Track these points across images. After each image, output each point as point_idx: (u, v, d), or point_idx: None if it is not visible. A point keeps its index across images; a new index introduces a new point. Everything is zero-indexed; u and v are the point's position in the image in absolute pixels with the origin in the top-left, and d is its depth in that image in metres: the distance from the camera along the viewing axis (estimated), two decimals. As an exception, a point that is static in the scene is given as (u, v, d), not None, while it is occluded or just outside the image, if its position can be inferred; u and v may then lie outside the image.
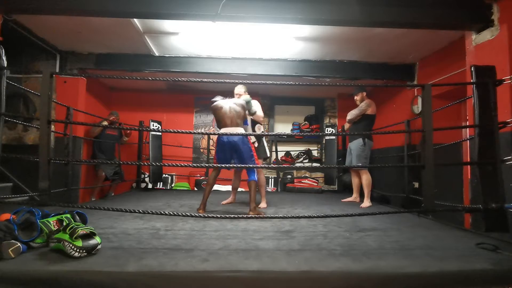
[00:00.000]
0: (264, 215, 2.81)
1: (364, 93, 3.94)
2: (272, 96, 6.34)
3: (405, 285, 1.48)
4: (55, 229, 1.73)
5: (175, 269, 1.46)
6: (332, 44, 4.00)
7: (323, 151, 6.35)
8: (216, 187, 5.67)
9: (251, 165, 3.05)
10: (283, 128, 6.60)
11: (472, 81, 2.05)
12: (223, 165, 2.76)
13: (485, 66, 2.09)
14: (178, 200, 3.90)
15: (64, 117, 3.55)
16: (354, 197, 4.10)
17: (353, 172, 4.11)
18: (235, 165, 3.30)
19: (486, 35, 2.83)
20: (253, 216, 2.53)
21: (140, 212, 1.99)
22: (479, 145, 2.00)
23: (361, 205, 3.67)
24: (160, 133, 5.30)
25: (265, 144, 3.72)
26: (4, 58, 2.28)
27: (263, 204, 3.51)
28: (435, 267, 1.55)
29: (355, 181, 4.09)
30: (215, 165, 2.61)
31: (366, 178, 3.76)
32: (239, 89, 3.46)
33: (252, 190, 2.99)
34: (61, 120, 3.54)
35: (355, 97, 3.97)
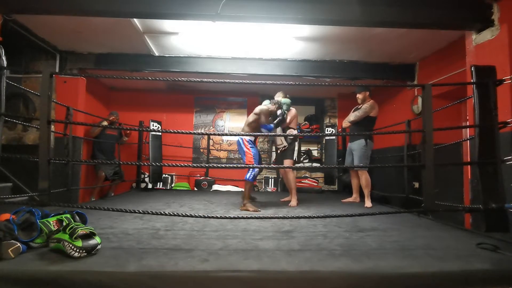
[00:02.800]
0: (256, 213, 3.04)
1: (367, 93, 3.81)
2: (272, 96, 6.32)
3: (405, 285, 1.48)
4: (55, 229, 1.73)
5: (175, 269, 1.46)
6: (332, 44, 3.99)
7: (323, 151, 6.35)
8: (216, 187, 5.69)
9: (256, 165, 3.08)
10: (283, 128, 6.60)
11: (472, 81, 2.05)
12: (224, 165, 2.76)
13: (485, 66, 2.09)
14: (178, 200, 3.90)
15: (64, 117, 3.54)
16: (354, 197, 4.08)
17: (353, 173, 4.04)
18: (238, 165, 3.34)
19: (486, 35, 2.83)
20: (253, 216, 2.53)
21: (140, 212, 1.99)
22: (479, 145, 1.99)
23: (365, 205, 3.64)
24: (160, 133, 5.30)
25: (296, 147, 3.72)
26: (4, 58, 2.27)
27: (293, 202, 3.61)
28: (435, 267, 1.55)
29: (354, 181, 4.04)
30: (214, 165, 2.60)
31: (365, 178, 3.73)
32: (276, 96, 3.87)
33: (245, 189, 3.30)
34: (61, 120, 3.53)
35: (358, 95, 3.84)
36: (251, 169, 3.30)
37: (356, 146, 3.78)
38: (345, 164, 4.07)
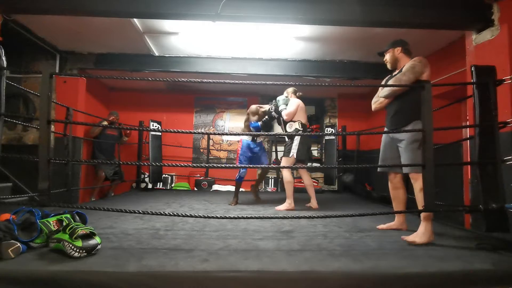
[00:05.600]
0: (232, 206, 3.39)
1: (400, 48, 2.38)
2: (272, 96, 6.31)
3: (405, 285, 1.48)
4: (55, 229, 1.73)
5: (175, 269, 1.46)
6: (332, 44, 3.99)
7: (323, 151, 6.35)
8: (216, 187, 5.69)
9: (255, 166, 3.07)
10: (283, 128, 6.60)
11: (472, 81, 2.05)
12: (224, 165, 2.76)
13: (485, 66, 2.09)
14: (178, 200, 3.90)
15: (64, 117, 3.54)
16: (400, 222, 2.44)
17: (399, 182, 2.41)
18: (238, 165, 3.38)
19: (486, 35, 2.83)
20: (253, 216, 2.53)
21: (140, 212, 1.99)
22: (479, 145, 1.99)
23: (415, 240, 2.00)
24: (160, 133, 5.30)
25: (293, 144, 3.34)
26: (4, 58, 2.27)
27: (285, 205, 3.30)
28: (435, 267, 1.55)
29: (398, 193, 2.41)
30: (214, 165, 2.60)
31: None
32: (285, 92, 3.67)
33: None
34: (61, 120, 3.54)
35: (385, 55, 2.46)
36: (239, 171, 3.57)
37: (408, 136, 2.22)
38: (384, 162, 2.43)
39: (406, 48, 2.39)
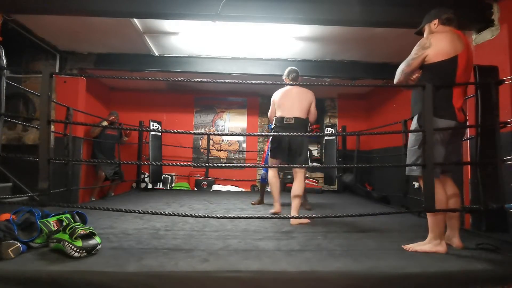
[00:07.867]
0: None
1: (436, 21, 2.00)
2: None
3: (405, 285, 1.48)
4: (55, 229, 1.73)
5: (175, 269, 1.46)
6: (332, 44, 3.99)
7: (323, 151, 6.35)
8: (216, 187, 5.69)
9: (254, 165, 3.07)
10: (283, 128, 6.59)
11: (474, 80, 2.05)
12: (224, 165, 2.76)
13: (487, 66, 2.09)
14: (178, 200, 3.90)
15: (64, 117, 3.54)
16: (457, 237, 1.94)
17: (437, 180, 1.88)
18: (238, 165, 3.34)
19: (487, 35, 2.83)
20: (253, 216, 2.53)
21: (140, 212, 1.99)
22: (480, 145, 1.99)
23: (414, 248, 1.84)
24: (160, 133, 5.29)
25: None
26: (4, 58, 2.27)
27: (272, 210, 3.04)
28: (435, 267, 1.55)
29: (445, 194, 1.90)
30: (214, 164, 2.61)
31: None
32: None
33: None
34: (61, 120, 3.53)
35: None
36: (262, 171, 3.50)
37: (409, 135, 2.04)
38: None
39: (447, 18, 1.92)
